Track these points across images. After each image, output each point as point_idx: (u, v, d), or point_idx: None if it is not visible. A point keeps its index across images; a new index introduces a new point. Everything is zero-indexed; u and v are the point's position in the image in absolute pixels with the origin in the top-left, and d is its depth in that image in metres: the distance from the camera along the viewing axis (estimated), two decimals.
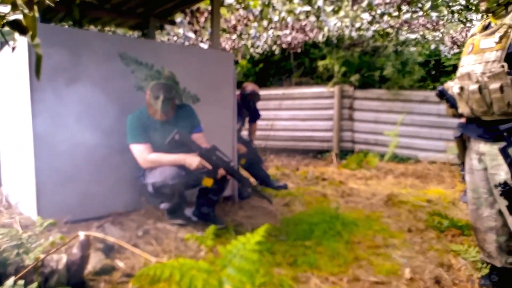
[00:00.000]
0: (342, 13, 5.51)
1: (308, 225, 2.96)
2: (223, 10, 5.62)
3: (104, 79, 2.87)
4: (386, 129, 6.04)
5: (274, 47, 6.84)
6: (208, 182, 2.75)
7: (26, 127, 2.65)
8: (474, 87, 1.83)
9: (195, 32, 5.92)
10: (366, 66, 6.60)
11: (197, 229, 2.80)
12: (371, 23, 5.69)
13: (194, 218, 2.94)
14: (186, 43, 6.52)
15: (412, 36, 5.99)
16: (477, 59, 1.84)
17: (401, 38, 6.15)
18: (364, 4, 5.02)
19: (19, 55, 2.66)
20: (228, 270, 0.94)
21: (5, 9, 0.79)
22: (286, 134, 7.02)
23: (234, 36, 6.37)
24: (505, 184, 1.69)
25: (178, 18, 5.55)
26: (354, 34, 6.14)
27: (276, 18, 5.68)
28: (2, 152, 3.71)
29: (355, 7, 5.12)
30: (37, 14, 0.82)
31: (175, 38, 6.43)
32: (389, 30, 5.77)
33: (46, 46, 1.20)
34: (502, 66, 1.71)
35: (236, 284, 0.90)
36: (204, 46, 6.49)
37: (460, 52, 5.62)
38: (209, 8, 5.17)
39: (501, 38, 1.75)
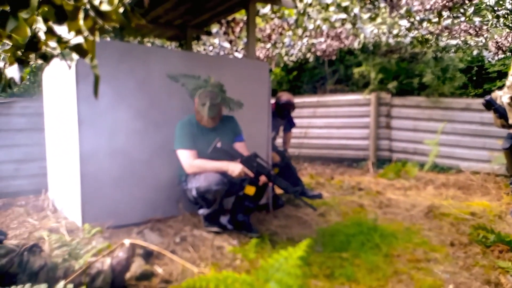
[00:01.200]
0: (379, 20, 5.41)
1: (345, 236, 2.90)
2: (258, 20, 5.68)
3: (151, 89, 2.98)
4: (425, 137, 5.84)
5: (308, 55, 6.82)
6: (250, 190, 2.79)
7: (73, 135, 2.78)
8: None
9: (230, 42, 6.01)
10: (404, 73, 6.43)
11: (233, 237, 2.82)
12: (409, 29, 5.55)
13: (229, 226, 2.97)
14: (222, 53, 6.63)
15: (453, 42, 5.78)
16: None
17: (441, 44, 5.95)
18: (402, 11, 4.91)
19: (67, 70, 2.80)
20: (271, 285, 0.94)
21: (69, 34, 0.84)
22: (320, 142, 6.95)
23: (269, 45, 6.42)
24: None
25: (214, 28, 5.66)
26: (391, 40, 6.01)
27: (311, 26, 5.67)
28: (49, 159, 3.91)
29: (393, 14, 5.01)
30: (97, 39, 0.87)
31: (211, 48, 6.56)
32: (429, 36, 5.60)
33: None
34: None
35: None
36: (239, 55, 6.57)
37: (505, 58, 5.36)
38: (244, 18, 5.25)
39: None
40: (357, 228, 3.04)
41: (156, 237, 2.72)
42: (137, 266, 2.23)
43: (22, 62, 0.95)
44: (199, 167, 2.76)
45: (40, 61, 0.97)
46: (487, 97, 2.09)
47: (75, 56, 0.92)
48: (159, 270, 2.29)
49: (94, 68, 0.86)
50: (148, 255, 2.45)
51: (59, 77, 3.16)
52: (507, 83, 1.91)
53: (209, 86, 2.85)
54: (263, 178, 2.77)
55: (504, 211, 3.61)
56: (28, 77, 5.50)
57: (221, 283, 0.91)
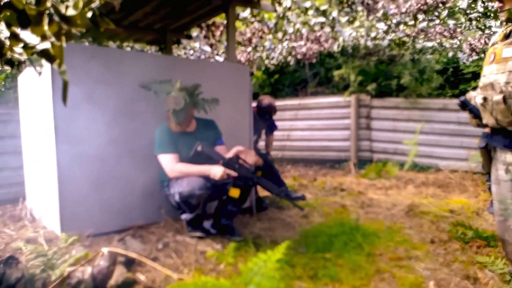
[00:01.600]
0: (357, 23, 5.50)
1: (328, 237, 2.93)
2: (238, 24, 5.69)
3: (126, 95, 2.93)
4: (405, 138, 5.96)
5: (289, 58, 6.86)
6: (234, 192, 2.78)
7: (49, 142, 2.72)
8: (498, 97, 1.79)
9: (211, 45, 6.00)
10: (382, 75, 6.55)
11: (216, 241, 2.80)
12: (386, 32, 5.66)
13: (212, 231, 2.95)
14: (202, 57, 6.61)
15: (429, 44, 5.93)
16: (500, 69, 1.80)
17: (418, 46, 6.08)
18: (379, 14, 5.00)
19: (43, 76, 2.74)
20: None
21: (35, 40, 0.82)
22: (302, 144, 7.00)
23: (249, 49, 6.43)
24: None
25: (194, 32, 5.64)
26: (369, 43, 6.11)
27: (291, 30, 5.72)
28: (26, 167, 3.81)
29: (370, 17, 5.10)
30: (64, 44, 0.86)
31: (191, 52, 6.53)
32: (405, 39, 5.72)
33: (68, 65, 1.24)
34: None
35: None
36: (220, 59, 6.57)
37: (479, 59, 5.53)
38: (225, 22, 5.25)
39: None
40: (340, 229, 3.07)
41: (138, 244, 2.68)
42: (119, 274, 2.19)
43: None
44: (181, 172, 2.74)
45: (6, 67, 0.94)
46: (462, 98, 2.13)
47: (44, 62, 0.90)
48: (141, 277, 2.26)
49: (62, 74, 0.84)
50: (130, 263, 2.41)
51: (35, 84, 3.09)
52: (480, 84, 1.96)
53: (174, 91, 2.82)
54: (257, 160, 2.84)
55: (481, 208, 3.70)
56: (3, 83, 5.36)
57: None
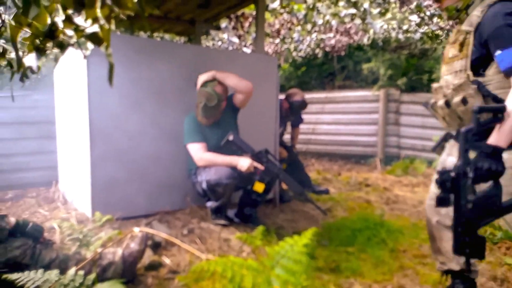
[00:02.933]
0: (389, 15, 5.37)
1: (351, 231, 2.92)
2: (267, 15, 5.68)
3: (159, 82, 3.01)
4: (434, 134, 5.80)
5: (317, 50, 6.80)
6: (259, 187, 2.80)
7: (83, 127, 2.83)
8: (441, 102, 1.71)
9: (239, 37, 6.02)
10: (413, 69, 6.39)
11: (239, 230, 2.84)
12: (419, 25, 5.50)
13: (236, 219, 3.00)
14: (230, 48, 6.64)
15: None
16: (448, 70, 1.71)
17: None
18: (412, 6, 4.86)
19: (79, 62, 2.84)
20: (276, 270, 0.96)
21: (85, 23, 0.87)
22: (328, 138, 6.95)
23: (277, 40, 6.41)
24: (444, 171, 1.43)
25: (223, 23, 5.67)
26: (401, 36, 5.96)
27: (320, 22, 5.65)
28: (60, 151, 3.98)
29: (403, 9, 4.97)
30: (113, 27, 0.90)
31: (219, 43, 6.58)
32: (439, 32, 5.54)
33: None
34: (468, 76, 1.59)
35: (283, 284, 0.92)
36: (248, 50, 6.58)
37: None
38: (254, 13, 5.25)
39: (461, 46, 1.62)
40: (364, 223, 3.05)
41: (164, 228, 2.76)
42: (146, 256, 2.27)
43: (40, 51, 0.98)
44: (209, 161, 2.79)
45: (56, 50, 1.00)
46: (424, 102, 2.06)
47: (90, 45, 0.95)
48: (167, 260, 2.33)
49: (109, 56, 0.88)
50: (156, 246, 2.49)
51: (70, 71, 3.21)
52: (433, 86, 1.88)
53: (209, 86, 2.86)
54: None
55: None
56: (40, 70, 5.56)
57: (228, 268, 0.93)
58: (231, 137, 2.76)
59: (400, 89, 6.28)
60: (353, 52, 7.43)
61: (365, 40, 6.21)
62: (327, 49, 6.18)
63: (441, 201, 1.42)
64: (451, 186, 1.40)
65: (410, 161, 5.77)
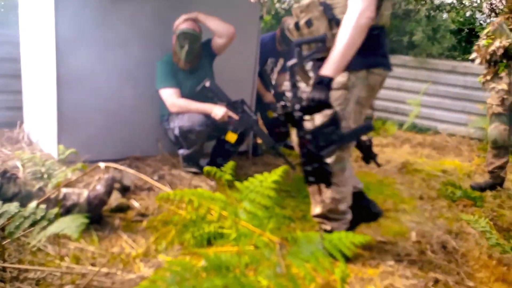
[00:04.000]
0: None
1: None
2: None
3: (132, 24, 2.84)
4: (408, 97, 5.88)
5: None
6: (231, 137, 2.77)
7: (49, 66, 2.67)
8: (292, 24, 1.66)
9: None
10: (395, 30, 6.33)
11: (210, 178, 2.85)
12: None
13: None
14: None
15: (448, 0, 5.67)
16: None
17: (436, 2, 5.82)
18: None
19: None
20: (244, 204, 0.97)
21: None
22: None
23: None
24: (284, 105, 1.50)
25: None
26: None
27: None
28: (25, 89, 3.78)
29: None
30: None
31: None
32: None
33: None
34: None
35: (250, 217, 0.94)
36: None
37: None
38: None
39: None
40: None
41: (133, 173, 2.73)
42: (113, 199, 2.25)
43: None
44: (182, 107, 2.73)
45: None
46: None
47: None
48: (135, 203, 2.33)
49: None
50: (125, 190, 2.47)
51: (36, 2, 2.97)
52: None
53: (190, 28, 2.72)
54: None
55: (473, 171, 3.75)
56: (2, 3, 5.16)
57: (195, 197, 0.93)
58: (207, 83, 2.69)
59: None
60: None
61: None
62: None
63: (281, 136, 1.48)
64: (289, 120, 1.48)
65: (382, 122, 5.87)
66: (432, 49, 5.79)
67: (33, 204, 1.31)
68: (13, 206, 1.29)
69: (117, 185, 2.43)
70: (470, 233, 2.32)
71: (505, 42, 2.90)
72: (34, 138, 3.37)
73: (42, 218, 1.29)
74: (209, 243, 1.96)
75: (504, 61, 2.98)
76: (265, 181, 1.03)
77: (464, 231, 2.35)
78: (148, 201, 2.40)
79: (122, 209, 2.25)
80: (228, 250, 1.42)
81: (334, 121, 1.48)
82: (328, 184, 1.53)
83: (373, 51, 1.60)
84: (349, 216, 1.82)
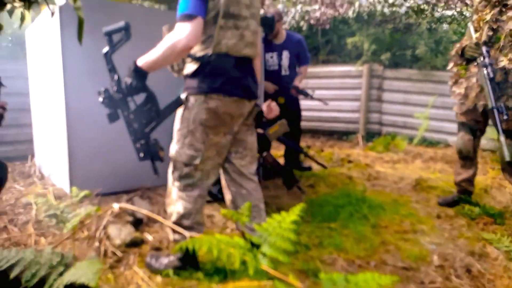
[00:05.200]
0: None
1: (334, 207, 2.94)
2: None
3: (138, 55, 2.86)
4: (416, 111, 5.85)
5: (302, 23, 6.66)
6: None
7: (59, 99, 2.69)
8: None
9: None
10: (397, 45, 6.35)
11: (223, 206, 2.82)
12: None
13: (220, 196, 2.96)
14: None
15: (449, 12, 5.68)
16: None
17: (437, 14, 5.84)
18: None
19: (52, 24, 2.67)
20: (264, 248, 0.94)
21: None
22: (311, 114, 6.91)
23: (261, 11, 6.23)
24: (104, 89, 1.70)
25: None
26: (386, 10, 5.88)
27: None
28: (35, 123, 3.81)
29: None
30: None
31: None
32: (424, 6, 5.48)
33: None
34: None
35: (270, 261, 0.91)
36: None
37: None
38: None
39: None
40: (346, 199, 3.07)
41: (146, 205, 2.71)
42: (127, 233, 2.23)
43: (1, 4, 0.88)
44: None
45: (18, 4, 0.90)
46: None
47: (58, 0, 0.86)
48: (149, 237, 2.29)
49: (77, 10, 0.80)
50: (138, 223, 2.44)
51: (43, 37, 3.02)
52: None
53: None
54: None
55: (489, 185, 3.68)
56: (10, 38, 5.27)
57: (214, 246, 0.90)
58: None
59: (383, 64, 6.26)
60: (337, 25, 7.31)
61: (350, 13, 6.11)
62: (312, 21, 6.05)
63: (110, 117, 1.69)
64: (112, 102, 1.67)
65: (392, 137, 5.82)
66: (436, 61, 5.78)
67: (48, 249, 1.28)
68: (28, 252, 1.27)
69: (130, 218, 2.40)
70: (494, 254, 2.25)
71: (464, 43, 2.74)
72: (46, 172, 3.37)
73: (58, 263, 1.26)
74: (226, 276, 1.92)
75: (464, 63, 2.84)
76: (283, 221, 1.00)
77: (487, 251, 2.28)
78: (162, 234, 2.36)
79: (136, 243, 2.22)
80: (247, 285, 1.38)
81: (149, 100, 1.67)
82: (158, 159, 1.76)
83: (211, 78, 1.74)
84: (193, 233, 1.83)
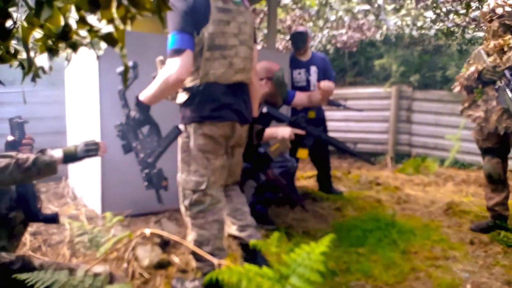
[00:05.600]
0: (403, 11, 5.26)
1: (362, 232, 2.88)
2: (279, 11, 5.62)
3: None
4: (447, 132, 5.71)
5: (329, 47, 6.71)
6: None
7: (94, 124, 2.82)
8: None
9: None
10: (426, 66, 6.28)
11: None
12: (434, 21, 5.39)
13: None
14: None
15: (480, 34, 5.59)
16: None
17: (467, 36, 5.76)
18: (428, 2, 4.75)
19: (90, 63, 2.84)
20: (292, 280, 0.94)
21: (99, 23, 0.85)
22: (338, 135, 6.87)
23: (288, 37, 6.35)
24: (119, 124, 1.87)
25: None
26: (414, 33, 5.85)
27: (333, 18, 5.57)
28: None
29: (419, 5, 4.86)
30: (129, 28, 0.88)
31: None
32: (454, 28, 5.42)
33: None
34: None
35: None
36: (259, 47, 6.53)
37: None
38: (265, 9, 5.19)
39: None
40: (374, 224, 3.01)
41: (174, 226, 2.76)
42: (154, 255, 2.27)
43: (52, 51, 0.96)
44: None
45: (69, 50, 0.98)
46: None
47: (103, 45, 0.93)
48: (175, 259, 2.33)
49: (123, 57, 0.86)
50: (165, 244, 2.48)
51: (82, 69, 3.20)
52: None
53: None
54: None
55: None
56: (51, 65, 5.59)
57: (244, 277, 0.91)
58: (264, 109, 2.68)
59: (412, 86, 6.18)
60: (365, 48, 7.32)
61: (378, 36, 6.11)
62: (339, 45, 6.09)
63: (124, 148, 1.85)
64: (124, 134, 1.83)
65: (422, 159, 5.68)
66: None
67: (81, 272, 1.33)
68: (62, 275, 1.32)
69: (157, 240, 2.45)
70: None
71: (480, 67, 2.74)
72: (78, 193, 3.51)
73: (91, 286, 1.31)
74: None
75: (480, 86, 2.81)
76: (312, 252, 1.00)
77: None
78: (188, 256, 2.39)
79: (163, 265, 2.26)
80: None
81: (152, 131, 1.84)
82: (160, 188, 1.86)
83: (202, 106, 1.82)
84: (215, 260, 1.82)
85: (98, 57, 1.05)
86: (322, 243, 1.03)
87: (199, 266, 1.95)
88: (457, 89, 2.99)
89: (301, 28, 4.04)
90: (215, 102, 1.83)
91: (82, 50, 1.00)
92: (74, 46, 0.94)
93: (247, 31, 1.91)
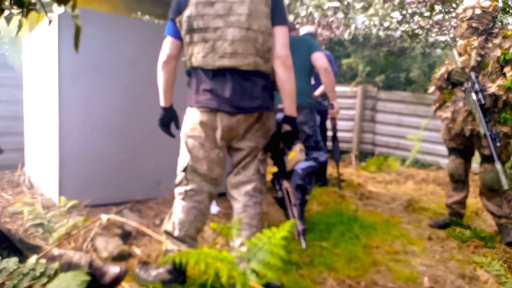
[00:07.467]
0: (371, 10, 5.37)
1: (325, 226, 2.92)
2: None
3: (133, 64, 2.87)
4: (408, 133, 5.90)
5: None
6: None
7: (52, 109, 2.68)
8: None
9: None
10: (391, 67, 6.46)
11: (214, 221, 2.79)
12: (400, 22, 5.54)
13: (213, 210, 2.94)
14: None
15: (442, 38, 5.82)
16: None
17: (430, 40, 5.97)
18: (395, 2, 4.87)
19: (50, 33, 2.68)
20: (253, 264, 0.92)
21: None
22: None
23: None
24: None
25: None
26: (381, 33, 5.99)
27: (303, 13, 5.59)
28: (26, 133, 3.78)
29: (386, 5, 4.97)
30: None
31: None
32: (419, 31, 5.60)
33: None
34: None
35: (259, 278, 0.89)
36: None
37: None
38: None
39: None
40: (338, 218, 3.06)
41: (136, 217, 2.67)
42: (115, 246, 2.19)
43: None
44: None
45: (16, 10, 0.90)
46: None
47: (56, 8, 0.85)
48: (137, 250, 2.25)
49: (75, 18, 0.80)
50: (127, 236, 2.40)
51: (40, 46, 3.03)
52: None
53: None
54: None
55: (480, 208, 3.68)
56: (6, 46, 5.26)
57: (202, 260, 0.88)
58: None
59: (377, 86, 6.34)
60: (333, 46, 7.43)
61: (346, 35, 6.21)
62: None
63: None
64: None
65: (384, 158, 5.85)
66: (429, 84, 5.86)
67: (32, 260, 1.25)
68: (11, 262, 1.24)
69: (118, 231, 2.36)
70: (484, 277, 2.23)
71: (450, 67, 2.79)
72: (35, 181, 3.33)
73: (42, 274, 1.23)
74: None
75: (450, 87, 2.87)
76: (273, 237, 0.98)
77: (478, 274, 2.27)
78: (150, 247, 2.32)
79: (123, 256, 2.18)
80: None
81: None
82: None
83: (190, 91, 1.86)
84: (183, 246, 1.87)
85: (50, 22, 0.97)
86: (283, 228, 1.02)
87: (169, 249, 1.90)
88: (431, 89, 3.04)
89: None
90: (196, 88, 1.81)
91: (40, 30, 0.92)
92: (21, 3, 0.86)
93: (243, 12, 1.70)
